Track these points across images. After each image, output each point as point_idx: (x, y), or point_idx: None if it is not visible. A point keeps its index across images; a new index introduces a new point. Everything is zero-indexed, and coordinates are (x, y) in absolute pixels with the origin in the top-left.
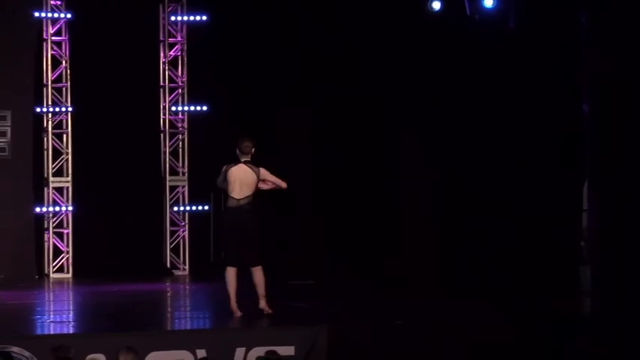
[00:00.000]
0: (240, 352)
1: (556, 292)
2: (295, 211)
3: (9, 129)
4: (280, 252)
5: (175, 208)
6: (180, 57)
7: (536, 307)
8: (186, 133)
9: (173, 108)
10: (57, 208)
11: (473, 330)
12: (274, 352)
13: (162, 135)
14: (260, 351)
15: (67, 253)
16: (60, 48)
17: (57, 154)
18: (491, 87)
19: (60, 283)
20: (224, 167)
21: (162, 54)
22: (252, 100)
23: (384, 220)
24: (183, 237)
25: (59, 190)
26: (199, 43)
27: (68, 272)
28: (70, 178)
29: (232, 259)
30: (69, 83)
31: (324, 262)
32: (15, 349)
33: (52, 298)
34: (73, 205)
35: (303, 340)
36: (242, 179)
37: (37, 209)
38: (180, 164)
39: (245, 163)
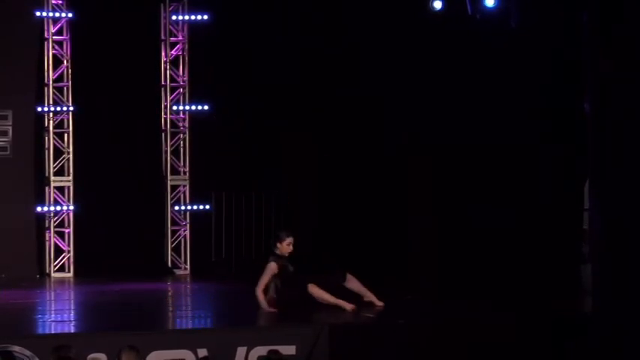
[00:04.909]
0: (241, 351)
1: (556, 292)
2: (296, 210)
3: (10, 128)
4: None
5: (176, 208)
6: (181, 56)
7: (536, 307)
8: (187, 132)
9: (174, 107)
10: (58, 208)
11: (473, 330)
12: (276, 352)
13: (163, 134)
14: (261, 350)
15: (68, 252)
16: (61, 47)
17: (58, 153)
18: (492, 86)
19: (61, 282)
20: None
21: (163, 53)
22: (253, 100)
23: (383, 220)
24: (185, 236)
25: (60, 189)
26: (201, 42)
27: (69, 271)
28: (71, 178)
29: None
30: (70, 82)
31: (325, 262)
32: (16, 348)
33: (53, 298)
34: (74, 204)
35: (304, 340)
36: None
37: (38, 208)
38: (182, 164)
39: None
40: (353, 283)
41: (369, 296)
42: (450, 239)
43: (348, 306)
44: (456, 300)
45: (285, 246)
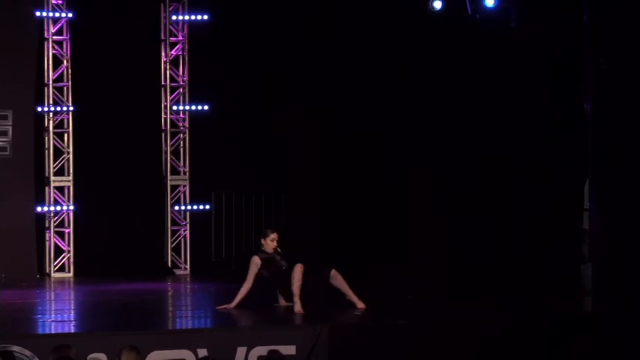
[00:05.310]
0: (241, 351)
1: (556, 292)
2: (296, 210)
3: (10, 128)
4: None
5: (176, 208)
6: (181, 56)
7: (536, 307)
8: (187, 132)
9: (174, 107)
10: (58, 208)
11: (473, 330)
12: (277, 352)
13: (163, 134)
14: (261, 350)
15: (68, 252)
16: (61, 47)
17: (58, 153)
18: (492, 87)
19: (61, 282)
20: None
21: (163, 53)
22: (253, 100)
23: (384, 221)
24: (185, 236)
25: (60, 189)
26: (200, 42)
27: (69, 271)
28: (71, 178)
29: None
30: (70, 82)
31: (325, 262)
32: (16, 348)
33: (53, 298)
34: (74, 204)
35: (304, 340)
36: None
37: (39, 208)
38: (182, 164)
39: None
40: (337, 281)
41: (351, 296)
42: (450, 239)
43: (297, 307)
44: (455, 300)
45: (269, 242)
